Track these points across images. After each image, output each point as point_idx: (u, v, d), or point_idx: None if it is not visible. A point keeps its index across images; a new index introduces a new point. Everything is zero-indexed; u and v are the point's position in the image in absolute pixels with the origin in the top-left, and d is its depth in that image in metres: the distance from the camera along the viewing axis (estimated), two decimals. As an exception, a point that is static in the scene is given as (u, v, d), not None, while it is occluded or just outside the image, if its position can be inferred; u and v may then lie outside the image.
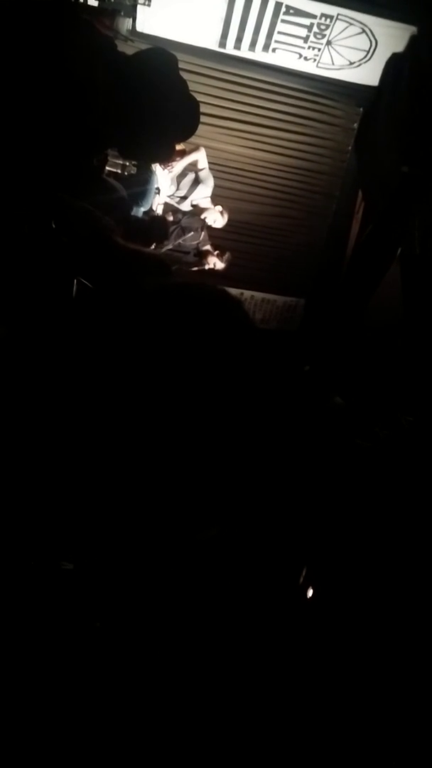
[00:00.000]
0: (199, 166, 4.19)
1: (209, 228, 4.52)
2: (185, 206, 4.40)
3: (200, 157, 4.13)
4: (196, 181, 4.26)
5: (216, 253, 4.51)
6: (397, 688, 2.16)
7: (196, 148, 4.10)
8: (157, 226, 3.70)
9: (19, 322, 1.47)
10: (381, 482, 2.76)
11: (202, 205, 4.40)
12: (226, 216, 4.48)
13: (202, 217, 4.40)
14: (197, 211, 4.40)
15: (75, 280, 1.55)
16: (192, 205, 4.39)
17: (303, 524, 2.56)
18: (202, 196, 4.36)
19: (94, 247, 1.59)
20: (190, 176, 4.26)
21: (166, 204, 4.32)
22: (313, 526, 2.58)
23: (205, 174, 4.26)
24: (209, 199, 4.45)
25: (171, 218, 4.33)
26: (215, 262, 4.49)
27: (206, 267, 4.52)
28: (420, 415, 3.18)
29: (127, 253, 1.63)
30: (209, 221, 4.39)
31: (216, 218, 4.39)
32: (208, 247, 4.56)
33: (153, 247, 3.52)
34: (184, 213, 4.44)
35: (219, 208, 4.42)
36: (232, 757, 1.83)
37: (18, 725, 1.47)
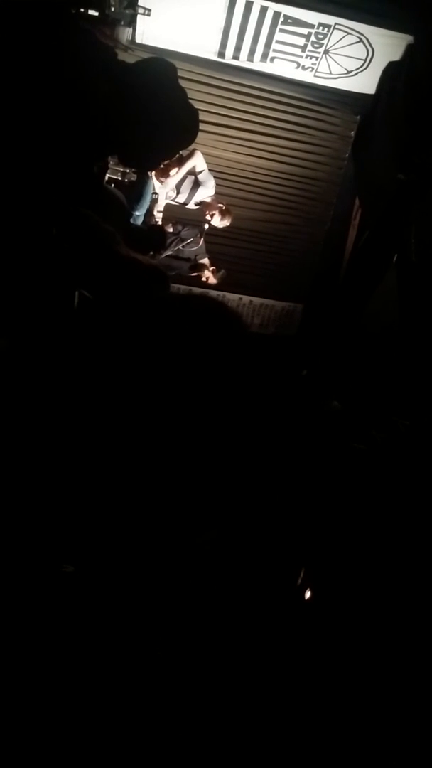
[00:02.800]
0: (198, 169, 4.21)
1: (209, 233, 4.55)
2: (191, 206, 4.43)
3: (197, 162, 4.15)
4: (196, 184, 4.29)
5: (212, 268, 4.56)
6: (397, 688, 2.17)
7: (192, 153, 4.13)
8: (155, 235, 3.73)
9: (21, 333, 1.49)
10: (378, 485, 2.78)
11: (207, 201, 4.42)
12: (229, 216, 4.48)
13: (205, 212, 4.43)
14: (203, 206, 4.41)
15: (77, 292, 1.57)
16: (196, 204, 4.42)
17: (301, 526, 2.57)
18: (203, 197, 4.38)
19: (95, 254, 1.61)
20: (190, 179, 4.29)
21: (166, 211, 4.35)
22: (311, 528, 2.59)
23: (204, 176, 4.27)
24: (211, 199, 4.47)
25: (170, 229, 4.36)
26: (209, 277, 4.54)
27: (201, 279, 4.56)
28: (416, 418, 3.20)
29: (127, 262, 1.65)
30: (211, 219, 4.41)
31: (218, 215, 4.41)
32: (205, 260, 4.60)
33: (150, 255, 3.56)
34: (184, 225, 4.47)
35: (221, 206, 4.43)
36: (232, 758, 1.83)
37: (19, 726, 1.48)
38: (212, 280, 4.60)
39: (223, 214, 4.41)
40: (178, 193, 4.30)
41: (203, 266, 4.56)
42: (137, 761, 1.63)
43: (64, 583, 1.53)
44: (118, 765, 1.60)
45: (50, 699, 1.53)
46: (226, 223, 4.48)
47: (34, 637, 1.51)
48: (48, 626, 1.53)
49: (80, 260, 1.62)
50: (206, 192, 4.31)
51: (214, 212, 4.38)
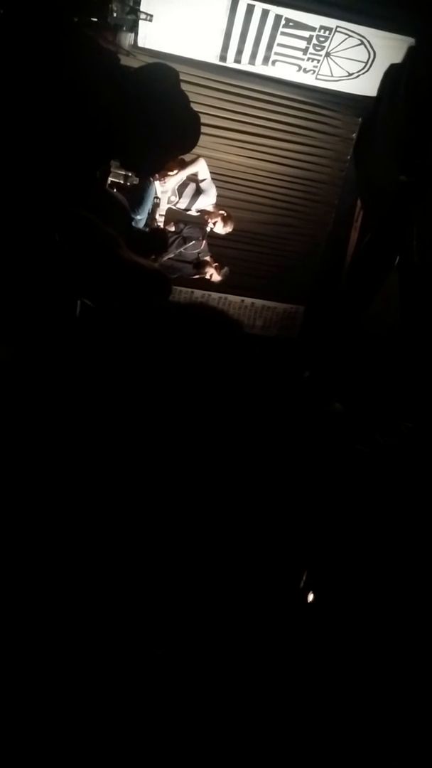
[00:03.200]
0: (200, 177, 4.23)
1: (212, 236, 4.56)
2: (192, 213, 4.44)
3: (200, 169, 4.16)
4: (198, 192, 4.30)
5: (215, 265, 4.56)
6: (398, 690, 2.17)
7: (195, 159, 4.14)
8: (156, 238, 3.74)
9: (23, 341, 1.50)
10: (381, 488, 2.78)
11: (207, 210, 4.44)
12: (230, 223, 4.50)
13: (206, 219, 4.45)
14: (204, 214, 4.44)
15: (79, 301, 1.57)
16: (198, 211, 4.44)
17: (303, 530, 2.57)
18: (204, 205, 4.40)
19: (98, 258, 1.62)
20: (192, 187, 4.30)
21: (168, 214, 4.37)
22: (313, 531, 2.60)
23: (207, 184, 4.29)
24: (213, 207, 4.49)
25: (173, 228, 4.37)
26: (212, 274, 4.54)
27: (205, 277, 4.57)
28: (419, 421, 3.19)
29: (130, 266, 1.66)
30: (213, 226, 4.42)
31: (219, 222, 4.42)
32: (208, 258, 4.61)
33: (153, 257, 3.57)
34: (186, 223, 4.48)
35: (222, 212, 4.45)
36: (233, 758, 1.84)
37: (18, 726, 1.48)
38: (216, 278, 4.59)
39: (225, 221, 4.42)
40: (179, 199, 4.31)
41: (206, 263, 4.57)
42: (137, 761, 1.64)
43: (64, 583, 1.54)
44: (118, 765, 1.61)
45: (49, 699, 1.54)
46: (228, 229, 4.49)
47: (34, 636, 1.52)
48: (47, 626, 1.54)
49: (82, 264, 1.63)
50: (207, 200, 4.32)
51: (215, 220, 4.39)
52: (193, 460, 1.07)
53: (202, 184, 4.24)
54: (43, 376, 1.42)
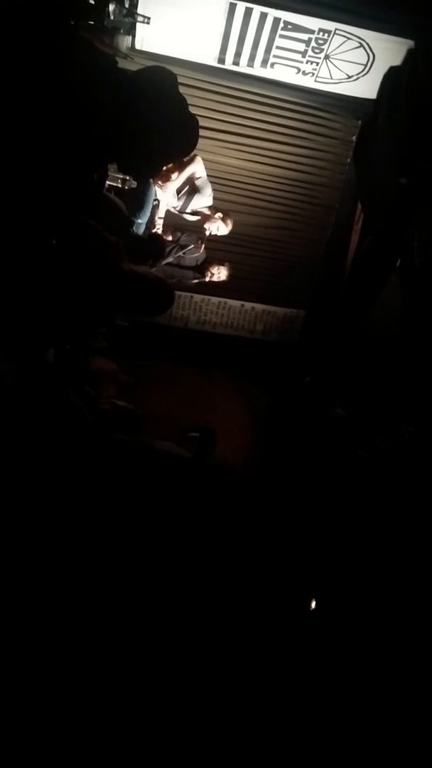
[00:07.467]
0: (197, 175, 4.18)
1: (211, 239, 4.51)
2: (188, 214, 4.40)
3: (197, 168, 4.11)
4: (193, 191, 4.25)
5: (217, 265, 4.51)
6: (397, 692, 2.16)
7: (192, 159, 4.09)
8: (154, 243, 3.71)
9: (24, 357, 1.47)
10: (383, 493, 2.75)
11: (203, 213, 4.39)
12: (230, 222, 4.44)
13: (205, 226, 4.40)
14: (200, 216, 4.38)
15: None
16: (193, 213, 4.38)
17: (306, 535, 2.55)
18: (200, 206, 4.35)
19: (97, 266, 1.60)
20: (187, 187, 4.26)
21: (165, 220, 4.32)
22: (316, 536, 2.57)
23: (202, 182, 4.22)
24: (209, 209, 4.44)
25: (170, 237, 4.33)
26: (216, 272, 4.48)
27: (207, 279, 4.52)
28: (421, 425, 3.17)
29: (131, 276, 1.63)
30: (212, 230, 4.37)
31: (218, 225, 4.37)
32: (208, 262, 4.56)
33: (150, 263, 3.54)
34: (183, 232, 4.44)
35: (219, 215, 4.39)
36: (232, 757, 1.82)
37: (19, 726, 1.47)
38: (222, 276, 4.52)
39: (224, 221, 4.36)
40: (177, 200, 4.26)
41: (207, 266, 4.52)
42: (137, 760, 1.62)
43: (64, 583, 1.53)
44: (118, 764, 1.59)
45: (51, 698, 1.52)
46: (229, 227, 4.43)
47: (36, 636, 1.51)
48: (49, 626, 1.52)
49: (81, 270, 1.61)
50: (202, 201, 4.26)
51: (215, 224, 4.33)
52: (194, 461, 1.05)
53: (197, 182, 4.18)
54: (44, 391, 1.40)
